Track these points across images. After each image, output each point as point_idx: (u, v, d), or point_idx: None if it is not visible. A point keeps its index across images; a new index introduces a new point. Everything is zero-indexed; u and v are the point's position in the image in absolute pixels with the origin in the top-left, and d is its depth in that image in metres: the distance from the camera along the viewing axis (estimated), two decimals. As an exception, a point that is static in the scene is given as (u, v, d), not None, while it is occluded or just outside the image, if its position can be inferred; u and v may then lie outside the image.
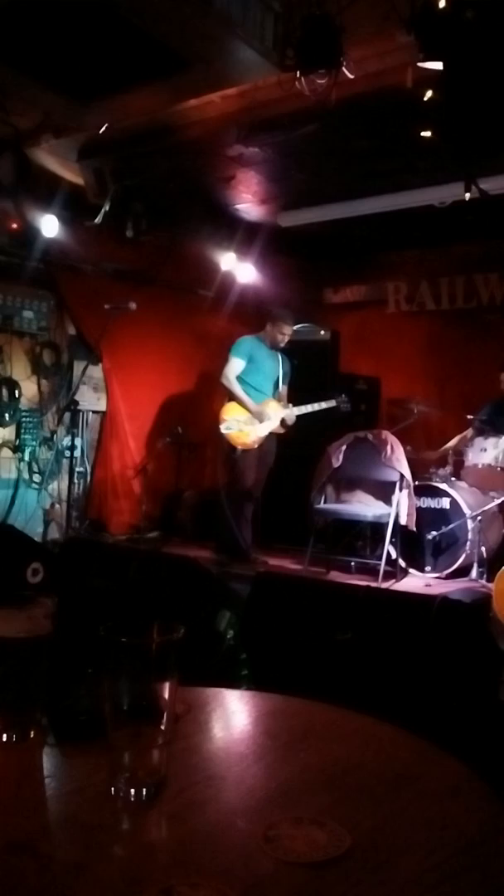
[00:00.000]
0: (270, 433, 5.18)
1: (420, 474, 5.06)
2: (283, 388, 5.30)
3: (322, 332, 6.25)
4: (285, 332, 5.22)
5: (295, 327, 6.31)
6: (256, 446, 5.10)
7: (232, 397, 5.08)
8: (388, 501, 4.86)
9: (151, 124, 4.33)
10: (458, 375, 6.21)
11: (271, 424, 5.13)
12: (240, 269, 6.23)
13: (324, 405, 5.30)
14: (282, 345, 5.27)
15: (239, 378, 5.11)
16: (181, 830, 0.81)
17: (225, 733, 1.10)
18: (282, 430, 5.21)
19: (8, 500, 5.52)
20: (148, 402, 6.24)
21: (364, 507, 5.07)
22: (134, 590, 2.08)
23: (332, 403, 5.32)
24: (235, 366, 5.13)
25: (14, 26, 3.32)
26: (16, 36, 3.40)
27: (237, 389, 5.08)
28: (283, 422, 5.19)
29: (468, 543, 4.77)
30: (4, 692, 0.97)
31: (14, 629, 0.98)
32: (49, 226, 5.15)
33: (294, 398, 6.14)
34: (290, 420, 5.20)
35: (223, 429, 5.06)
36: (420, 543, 4.93)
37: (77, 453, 5.66)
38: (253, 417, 5.06)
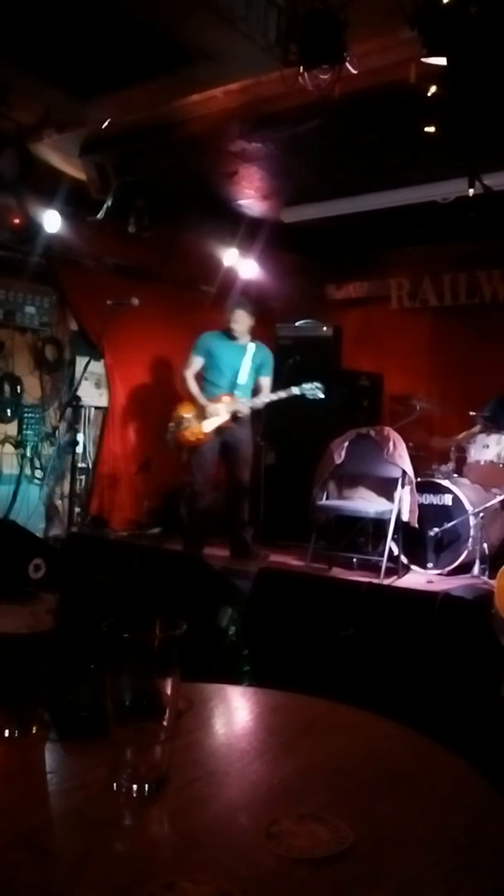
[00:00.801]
0: (242, 426, 5.06)
1: (422, 471, 5.06)
2: (261, 380, 5.15)
3: (324, 328, 6.25)
4: (235, 321, 5.09)
5: (298, 323, 6.34)
6: (201, 442, 5.03)
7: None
8: (390, 498, 4.86)
9: (154, 120, 4.32)
10: (461, 372, 6.20)
11: (217, 420, 5.02)
12: (242, 264, 6.22)
13: (282, 394, 5.10)
14: (238, 335, 5.12)
15: (202, 374, 5.13)
16: (183, 826, 0.81)
17: (227, 729, 1.10)
18: (232, 426, 5.04)
19: (10, 495, 5.52)
20: (150, 397, 6.24)
21: (366, 503, 5.07)
22: (135, 586, 2.08)
23: (292, 392, 5.07)
24: (191, 362, 5.17)
25: (16, 22, 3.31)
26: (18, 31, 3.39)
27: (188, 386, 5.14)
28: (234, 415, 5.04)
29: (470, 540, 4.77)
30: (6, 688, 0.98)
31: (16, 625, 0.98)
32: (51, 221, 5.15)
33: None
34: (243, 412, 5.05)
35: (170, 427, 5.12)
36: (422, 540, 4.93)
37: (79, 449, 5.66)
38: (201, 414, 5.04)
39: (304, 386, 5.08)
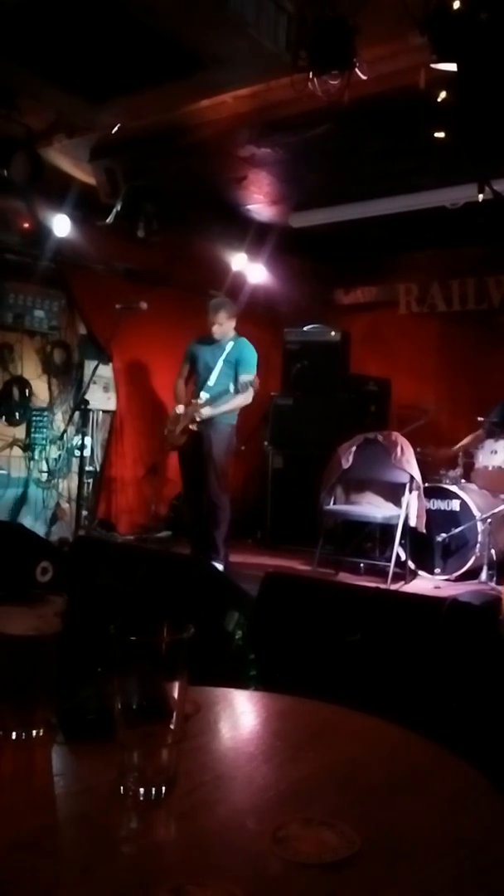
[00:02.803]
0: (213, 429, 4.88)
1: (430, 476, 5.05)
2: (243, 377, 4.85)
3: (332, 333, 6.26)
4: (212, 321, 4.96)
5: (306, 328, 6.34)
6: (178, 447, 5.03)
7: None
8: (397, 503, 4.85)
9: (163, 125, 4.34)
10: (469, 377, 6.19)
11: (185, 423, 4.94)
12: (251, 269, 6.24)
13: (230, 404, 4.85)
14: (217, 335, 4.97)
15: (192, 380, 5.12)
16: (190, 830, 0.81)
17: (234, 733, 1.10)
18: (193, 429, 4.89)
19: (18, 498, 5.54)
20: (157, 401, 6.26)
21: (373, 508, 5.06)
22: (142, 589, 2.08)
23: (231, 390, 4.81)
24: (180, 370, 5.18)
25: (27, 26, 3.33)
26: (29, 36, 3.41)
27: (175, 392, 5.18)
28: (195, 419, 4.90)
29: (478, 546, 4.76)
30: (14, 690, 0.98)
31: (23, 627, 0.98)
32: (61, 225, 5.17)
33: (303, 398, 6.12)
34: (203, 416, 4.88)
35: (165, 433, 5.15)
36: (429, 545, 4.92)
37: (87, 452, 5.67)
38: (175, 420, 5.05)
39: (240, 380, 4.84)
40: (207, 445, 4.87)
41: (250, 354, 4.98)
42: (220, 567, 4.60)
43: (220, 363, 4.96)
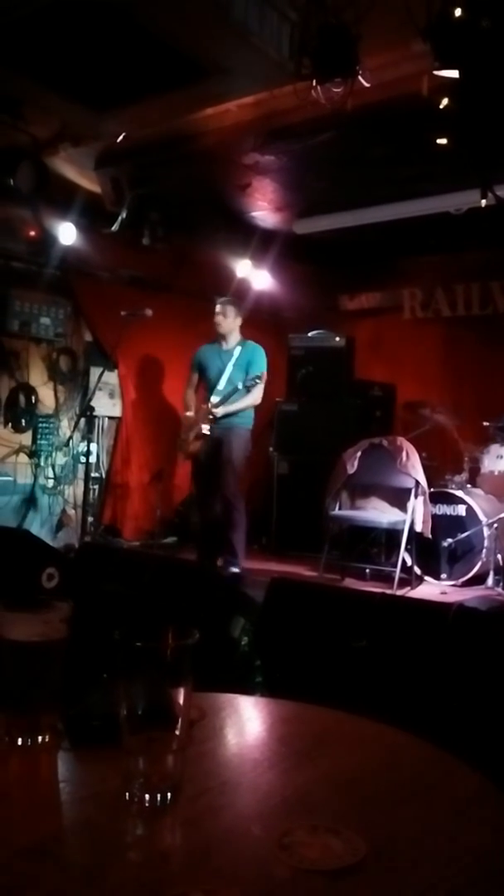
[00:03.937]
0: (228, 433, 4.89)
1: (435, 481, 5.04)
2: (250, 377, 4.88)
3: (337, 339, 6.26)
4: (219, 312, 5.00)
5: (311, 334, 6.35)
6: (193, 453, 5.03)
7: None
8: (403, 508, 4.84)
9: (168, 133, 4.36)
10: (474, 382, 6.18)
11: (198, 428, 4.95)
12: (255, 276, 6.25)
13: (240, 404, 4.88)
14: (223, 330, 5.01)
15: (202, 387, 5.12)
16: (196, 836, 0.81)
17: (239, 739, 1.10)
18: (207, 432, 4.91)
19: (24, 505, 5.55)
20: (163, 408, 6.27)
21: (379, 513, 5.05)
22: (148, 595, 2.08)
23: (238, 388, 4.84)
24: (189, 379, 5.19)
25: (32, 36, 3.35)
26: (34, 46, 3.43)
27: (185, 402, 5.18)
28: (211, 422, 4.90)
29: (484, 551, 4.74)
30: (19, 696, 0.98)
31: (29, 633, 0.98)
32: (66, 233, 5.20)
33: (308, 403, 6.12)
34: (216, 415, 4.88)
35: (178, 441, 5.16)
36: (436, 551, 4.91)
37: (92, 459, 5.68)
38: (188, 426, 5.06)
39: (248, 378, 4.87)
40: (227, 449, 4.87)
41: (260, 357, 5.01)
42: (237, 571, 4.61)
43: (229, 367, 4.99)
